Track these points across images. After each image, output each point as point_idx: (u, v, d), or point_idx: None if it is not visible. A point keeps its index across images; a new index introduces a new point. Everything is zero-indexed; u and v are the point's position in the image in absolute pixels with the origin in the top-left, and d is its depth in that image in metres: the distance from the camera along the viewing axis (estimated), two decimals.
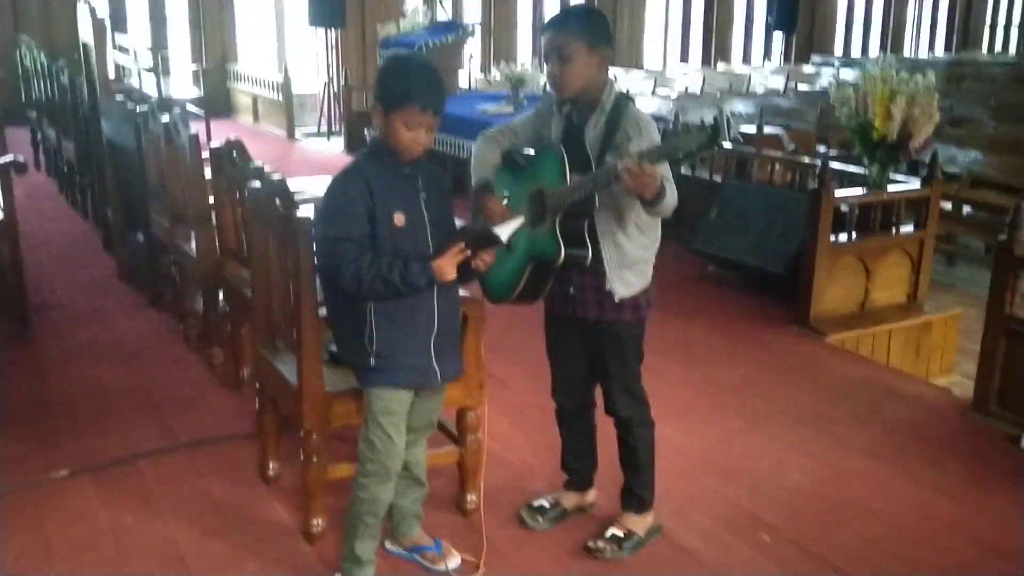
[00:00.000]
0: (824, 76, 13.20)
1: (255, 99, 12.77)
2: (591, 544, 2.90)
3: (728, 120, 2.35)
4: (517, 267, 2.71)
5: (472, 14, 15.09)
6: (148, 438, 3.59)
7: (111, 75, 6.13)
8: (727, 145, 2.49)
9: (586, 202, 2.59)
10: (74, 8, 6.44)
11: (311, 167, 9.71)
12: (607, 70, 2.70)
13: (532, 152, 2.78)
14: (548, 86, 2.76)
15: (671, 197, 2.55)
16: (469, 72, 11.90)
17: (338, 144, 11.29)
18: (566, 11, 2.74)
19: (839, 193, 5.17)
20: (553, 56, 2.63)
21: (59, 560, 2.81)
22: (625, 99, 2.70)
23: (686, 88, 12.07)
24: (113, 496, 3.17)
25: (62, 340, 4.65)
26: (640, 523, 2.95)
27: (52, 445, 3.51)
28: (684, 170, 6.25)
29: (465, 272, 2.49)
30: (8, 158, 4.81)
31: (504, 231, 2.46)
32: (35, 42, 9.41)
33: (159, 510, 3.10)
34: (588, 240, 2.64)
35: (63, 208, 7.64)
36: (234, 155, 3.48)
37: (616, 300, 2.72)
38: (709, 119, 2.46)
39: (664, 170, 2.51)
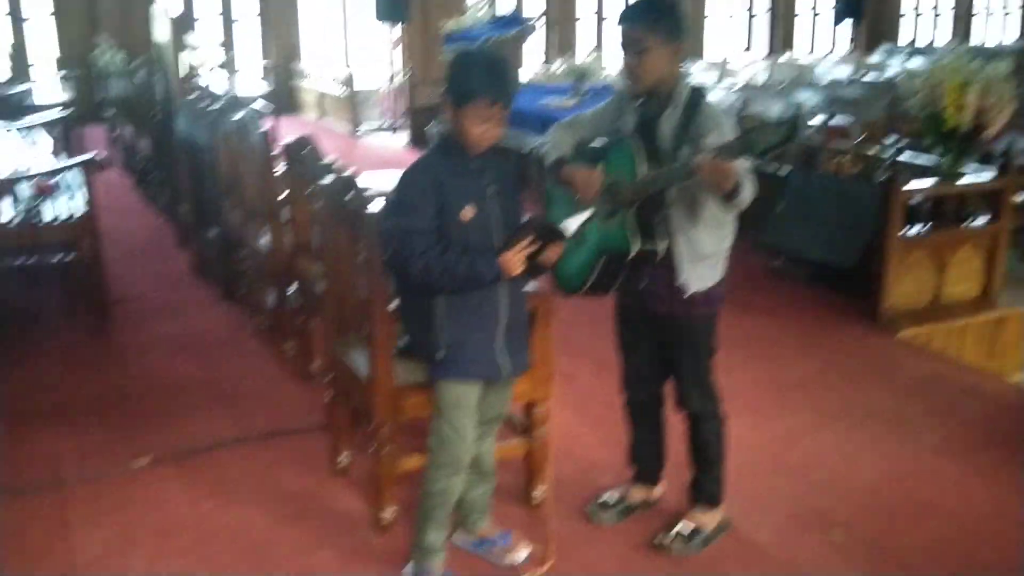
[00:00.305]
0: (892, 65, 12.89)
1: (321, 95, 12.96)
2: (659, 539, 2.90)
3: (805, 117, 2.32)
4: (589, 260, 2.72)
5: (534, 7, 15.09)
6: (224, 428, 3.69)
7: (183, 74, 6.30)
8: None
9: (660, 196, 2.59)
10: (149, 9, 6.63)
11: (376, 162, 9.84)
12: (681, 63, 2.69)
13: (605, 144, 2.77)
14: (623, 77, 2.75)
15: (748, 191, 2.53)
16: (531, 66, 11.90)
17: (402, 139, 11.40)
18: (642, 2, 2.70)
19: (910, 185, 5.06)
20: (629, 48, 2.62)
21: (142, 545, 2.92)
22: (699, 92, 2.68)
23: (750, 79, 11.90)
24: (192, 484, 3.27)
25: (140, 333, 4.80)
26: (709, 518, 2.95)
27: (133, 435, 3.64)
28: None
29: (533, 267, 2.52)
30: (89, 155, 4.97)
31: (571, 224, 2.47)
32: (111, 43, 9.70)
33: (235, 498, 3.19)
34: (661, 234, 2.63)
35: (139, 204, 7.85)
36: (305, 151, 3.55)
37: (689, 294, 2.72)
38: (775, 111, 2.44)
39: (741, 164, 2.49)
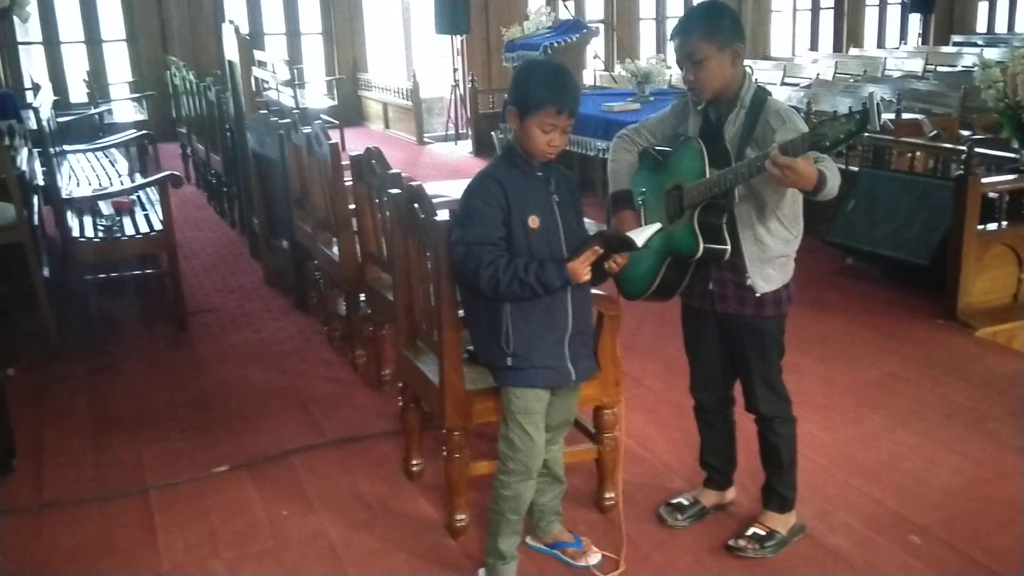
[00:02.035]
0: (966, 56, 12.54)
1: (385, 106, 13.13)
2: (732, 543, 2.88)
3: (878, 106, 2.26)
4: (654, 263, 2.72)
5: (595, 12, 15.08)
6: (299, 435, 3.77)
7: (253, 90, 6.45)
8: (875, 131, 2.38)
9: (725, 196, 2.57)
10: (218, 28, 6.79)
11: (441, 171, 9.95)
12: (742, 64, 2.66)
13: (670, 148, 2.77)
14: (687, 90, 2.73)
15: (833, 181, 2.47)
16: (593, 71, 11.89)
17: (466, 147, 11.49)
18: (690, 14, 2.67)
19: (987, 179, 4.92)
20: (686, 62, 2.61)
21: (224, 549, 2.99)
22: (763, 92, 2.65)
23: (817, 75, 11.69)
24: (269, 490, 3.35)
25: (216, 343, 4.93)
26: (782, 522, 2.91)
27: (212, 442, 3.74)
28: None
29: (598, 273, 2.53)
30: (165, 173, 5.13)
31: (640, 236, 2.47)
32: (183, 62, 9.98)
33: (311, 504, 3.25)
34: (727, 234, 2.61)
35: (212, 218, 8.06)
36: (373, 163, 3.61)
37: (756, 295, 2.69)
38: (844, 108, 2.40)
39: (822, 155, 2.44)
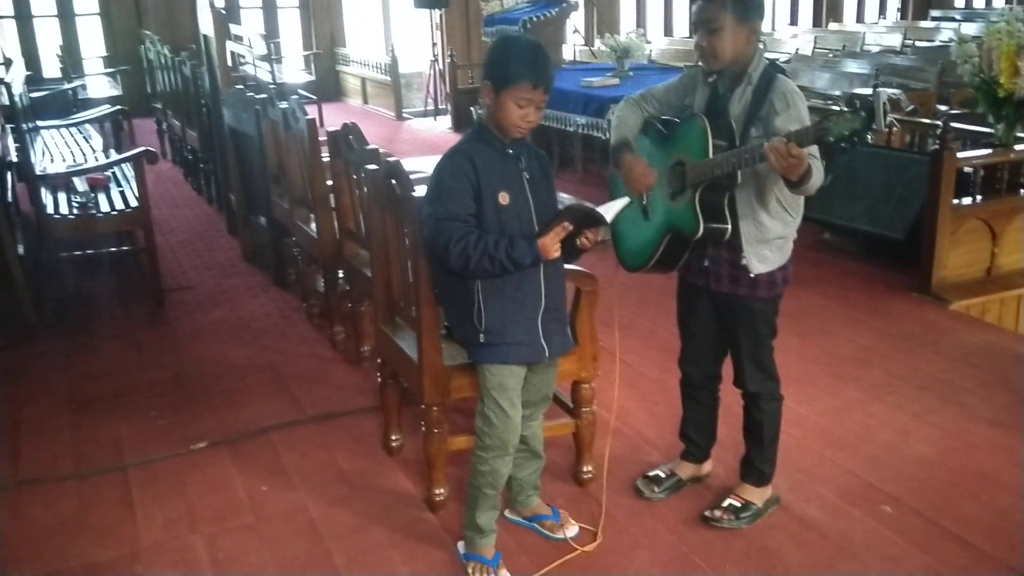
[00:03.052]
0: (944, 31, 12.59)
1: (363, 81, 13.04)
2: (708, 513, 2.92)
3: (885, 104, 2.23)
4: (655, 237, 2.72)
5: None
6: (277, 412, 3.77)
7: (229, 65, 6.39)
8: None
9: (728, 177, 2.57)
10: (194, 2, 6.70)
11: (420, 146, 9.91)
12: (757, 42, 2.64)
13: (675, 120, 2.76)
14: (696, 57, 2.72)
15: (817, 177, 2.48)
16: (573, 45, 11.83)
17: (445, 122, 11.44)
18: None
19: (962, 154, 4.96)
20: (702, 27, 2.60)
21: (202, 526, 3.00)
22: (774, 70, 2.63)
23: (796, 50, 11.70)
24: (248, 466, 3.36)
25: (194, 320, 4.91)
26: (759, 495, 2.95)
27: (190, 419, 3.73)
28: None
29: (570, 250, 2.53)
30: (140, 149, 5.08)
31: (609, 211, 2.47)
32: (158, 37, 9.85)
33: (290, 479, 3.26)
34: (728, 215, 2.61)
35: (189, 194, 8.01)
36: (350, 138, 3.60)
37: (751, 275, 2.70)
38: (822, 83, 2.39)
39: (812, 148, 2.43)
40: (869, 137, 2.39)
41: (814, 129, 2.35)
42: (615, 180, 2.87)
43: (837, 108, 5.13)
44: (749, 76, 2.63)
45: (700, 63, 2.73)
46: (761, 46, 2.73)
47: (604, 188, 3.08)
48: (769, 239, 2.69)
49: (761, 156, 2.42)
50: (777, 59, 10.83)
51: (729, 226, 2.62)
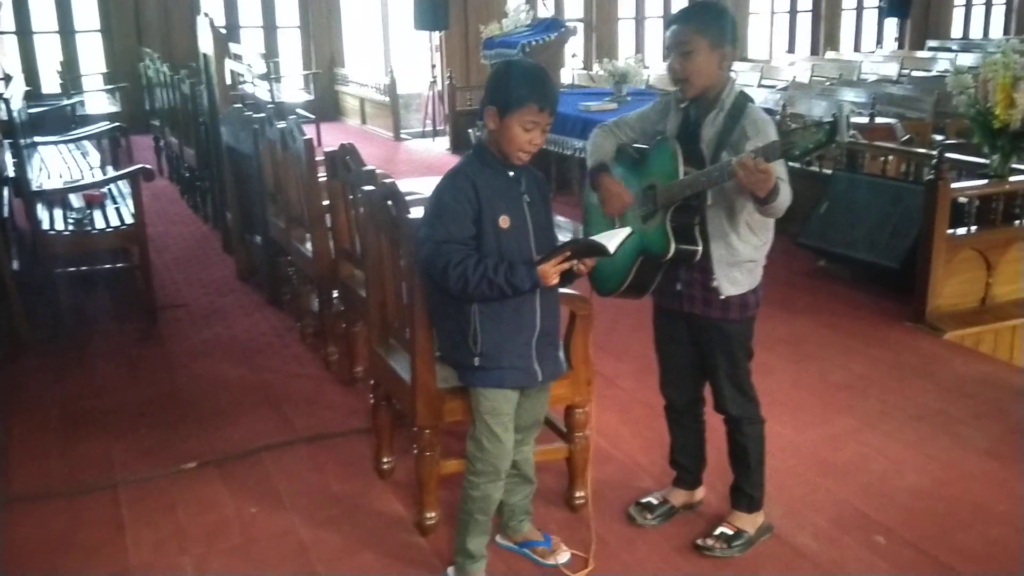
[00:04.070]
0: (941, 62, 12.69)
1: (362, 101, 13.08)
2: (700, 542, 2.90)
3: (847, 117, 2.30)
4: (626, 261, 2.73)
5: (574, 10, 15.09)
6: (269, 432, 3.75)
7: (227, 83, 6.40)
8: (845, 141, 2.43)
9: (698, 198, 2.60)
10: (193, 20, 6.73)
11: (418, 167, 9.94)
12: (729, 69, 2.68)
13: (646, 147, 2.79)
14: (670, 80, 2.75)
15: (784, 197, 2.52)
16: (571, 70, 11.90)
17: (443, 144, 11.47)
18: (693, 6, 2.72)
19: (957, 184, 4.98)
20: (676, 51, 2.63)
21: (192, 546, 2.97)
22: (745, 98, 2.67)
23: (794, 78, 11.78)
24: (238, 487, 3.33)
25: (187, 338, 4.89)
26: (750, 522, 2.93)
27: (181, 437, 3.71)
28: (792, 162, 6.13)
29: (566, 275, 2.53)
30: (137, 167, 5.08)
31: (612, 242, 2.48)
32: (157, 54, 9.89)
33: (281, 501, 3.24)
34: (699, 236, 2.63)
35: (185, 212, 8.00)
36: (347, 159, 3.60)
37: (721, 298, 2.72)
38: (819, 111, 2.44)
39: (779, 170, 2.49)
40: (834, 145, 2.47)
41: (781, 143, 2.40)
42: (589, 203, 2.89)
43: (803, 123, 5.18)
44: (721, 102, 2.65)
45: (673, 88, 2.75)
46: (734, 75, 2.77)
47: None
48: (740, 262, 2.70)
49: (730, 173, 2.45)
50: (775, 86, 10.87)
51: (700, 248, 2.64)
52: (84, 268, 5.36)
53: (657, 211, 2.66)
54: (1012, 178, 5.16)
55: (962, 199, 5.06)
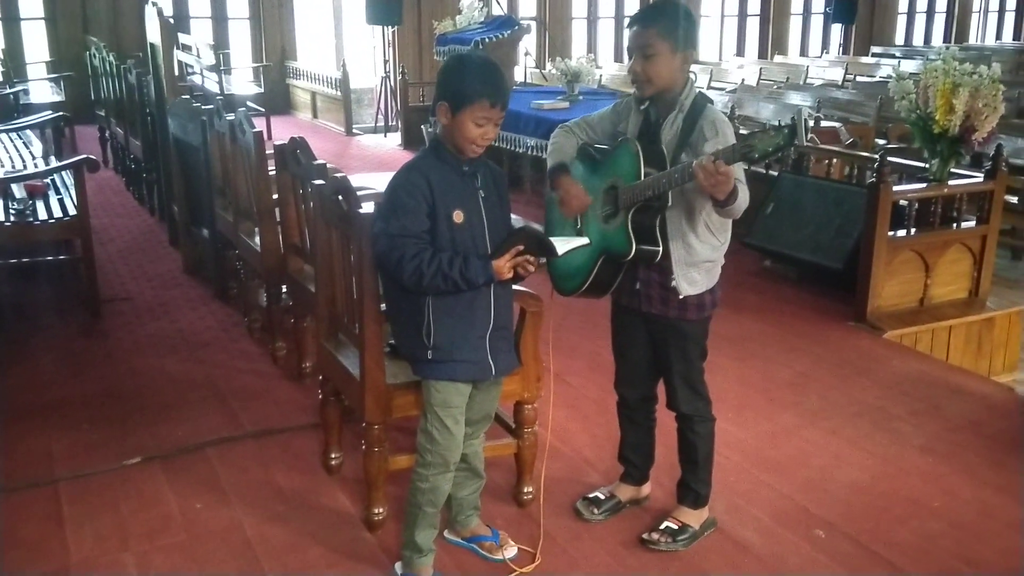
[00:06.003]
0: (884, 67, 12.97)
1: (313, 95, 12.98)
2: (646, 536, 2.93)
3: (806, 121, 2.31)
4: (588, 260, 2.75)
5: (527, 9, 15.13)
6: (215, 427, 3.71)
7: (175, 74, 6.31)
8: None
9: (659, 199, 2.62)
10: (142, 9, 6.61)
11: (369, 163, 9.89)
12: (688, 70, 2.71)
13: (607, 147, 2.81)
14: (631, 81, 2.77)
15: (743, 199, 2.55)
16: (524, 68, 11.93)
17: (395, 139, 11.42)
18: (655, 6, 2.71)
19: (898, 187, 5.10)
20: (638, 53, 2.65)
21: (134, 543, 2.93)
22: (704, 99, 2.71)
23: (742, 80, 11.95)
24: (183, 483, 3.29)
25: (131, 332, 4.81)
26: (695, 517, 2.98)
27: (124, 433, 3.65)
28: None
29: (518, 272, 2.55)
30: (81, 157, 4.99)
31: (563, 246, 2.50)
32: (103, 43, 9.70)
33: (226, 497, 3.21)
34: (659, 237, 2.66)
35: (130, 204, 7.86)
36: (298, 153, 3.58)
37: (680, 297, 2.75)
38: (767, 113, 2.47)
39: (738, 172, 2.51)
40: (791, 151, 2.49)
41: (740, 147, 2.43)
42: (551, 202, 2.91)
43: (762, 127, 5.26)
44: (681, 103, 2.69)
45: (633, 89, 2.78)
46: (692, 76, 2.80)
47: None
48: (698, 262, 2.74)
49: (690, 175, 2.48)
50: (724, 88, 11.02)
51: (660, 248, 2.68)
52: (26, 260, 5.26)
53: (619, 211, 2.68)
54: (951, 182, 5.30)
55: (903, 202, 5.18)
